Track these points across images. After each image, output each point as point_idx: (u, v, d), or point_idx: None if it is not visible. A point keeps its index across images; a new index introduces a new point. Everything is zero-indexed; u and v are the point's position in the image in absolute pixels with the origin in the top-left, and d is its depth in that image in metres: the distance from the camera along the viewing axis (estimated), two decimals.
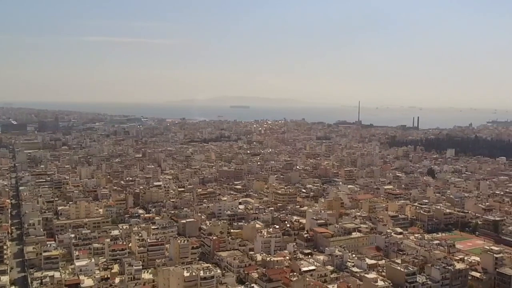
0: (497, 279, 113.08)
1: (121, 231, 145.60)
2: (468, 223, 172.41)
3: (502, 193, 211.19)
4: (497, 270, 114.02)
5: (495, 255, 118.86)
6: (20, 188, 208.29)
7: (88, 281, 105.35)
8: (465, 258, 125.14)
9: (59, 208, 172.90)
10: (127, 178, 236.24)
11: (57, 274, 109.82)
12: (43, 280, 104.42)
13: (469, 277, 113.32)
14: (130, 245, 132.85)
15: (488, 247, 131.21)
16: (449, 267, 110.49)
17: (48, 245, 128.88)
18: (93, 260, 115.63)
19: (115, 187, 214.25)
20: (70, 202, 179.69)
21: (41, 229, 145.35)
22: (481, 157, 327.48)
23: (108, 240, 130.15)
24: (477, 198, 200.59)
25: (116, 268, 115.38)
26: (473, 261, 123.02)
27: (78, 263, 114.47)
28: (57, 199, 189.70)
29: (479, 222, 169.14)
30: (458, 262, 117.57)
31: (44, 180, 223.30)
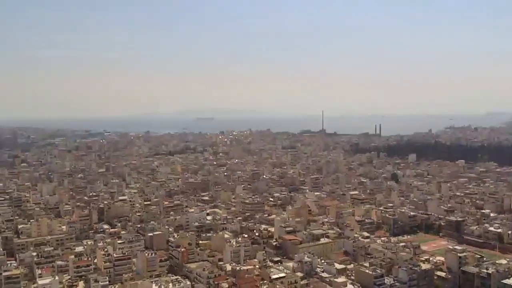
0: (462, 277, 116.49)
1: (85, 247, 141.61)
2: (432, 225, 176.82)
3: (462, 194, 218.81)
4: (461, 269, 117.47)
5: (458, 254, 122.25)
6: None
7: None
8: (430, 258, 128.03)
9: (20, 226, 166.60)
10: (91, 194, 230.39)
11: None
12: None
13: (435, 277, 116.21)
14: (95, 261, 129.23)
15: (451, 247, 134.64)
16: (416, 268, 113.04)
17: (8, 265, 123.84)
18: (56, 278, 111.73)
19: (78, 203, 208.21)
20: (31, 220, 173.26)
21: (1, 249, 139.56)
22: (441, 161, 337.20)
23: (72, 256, 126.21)
24: (439, 200, 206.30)
25: (81, 285, 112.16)
26: (438, 261, 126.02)
27: (41, 282, 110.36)
28: (17, 217, 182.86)
29: (442, 223, 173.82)
30: (423, 263, 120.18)
31: (2, 199, 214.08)
